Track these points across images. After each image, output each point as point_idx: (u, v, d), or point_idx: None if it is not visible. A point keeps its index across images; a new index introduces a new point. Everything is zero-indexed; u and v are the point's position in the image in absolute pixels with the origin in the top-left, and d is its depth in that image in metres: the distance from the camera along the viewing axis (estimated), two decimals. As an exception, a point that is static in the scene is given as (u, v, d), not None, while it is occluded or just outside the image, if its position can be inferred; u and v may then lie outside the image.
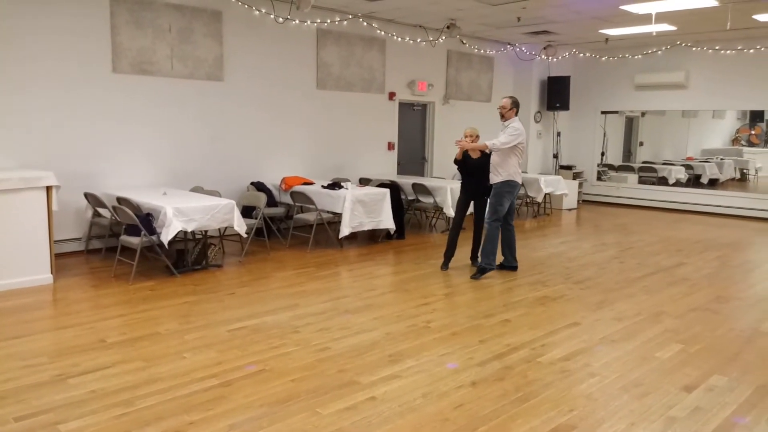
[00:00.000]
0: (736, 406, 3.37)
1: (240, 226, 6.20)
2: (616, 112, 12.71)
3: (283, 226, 8.26)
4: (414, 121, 10.66)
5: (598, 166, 12.82)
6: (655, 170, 12.44)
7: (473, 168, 6.28)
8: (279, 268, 6.44)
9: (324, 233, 7.92)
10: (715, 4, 7.87)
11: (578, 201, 12.04)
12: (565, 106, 12.15)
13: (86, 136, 6.80)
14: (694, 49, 11.00)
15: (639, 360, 4.02)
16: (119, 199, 6.12)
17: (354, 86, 9.39)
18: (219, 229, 6.77)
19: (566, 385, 3.58)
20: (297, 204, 7.75)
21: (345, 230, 7.15)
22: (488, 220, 6.11)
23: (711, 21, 9.09)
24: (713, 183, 11.93)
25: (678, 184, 12.04)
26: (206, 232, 6.29)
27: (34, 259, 5.51)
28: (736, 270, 6.75)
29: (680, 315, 5.04)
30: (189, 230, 5.80)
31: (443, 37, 10.02)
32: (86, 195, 6.58)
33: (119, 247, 6.05)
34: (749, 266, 6.96)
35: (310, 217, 7.45)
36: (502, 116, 6.10)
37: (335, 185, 7.63)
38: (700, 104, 11.46)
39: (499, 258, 6.36)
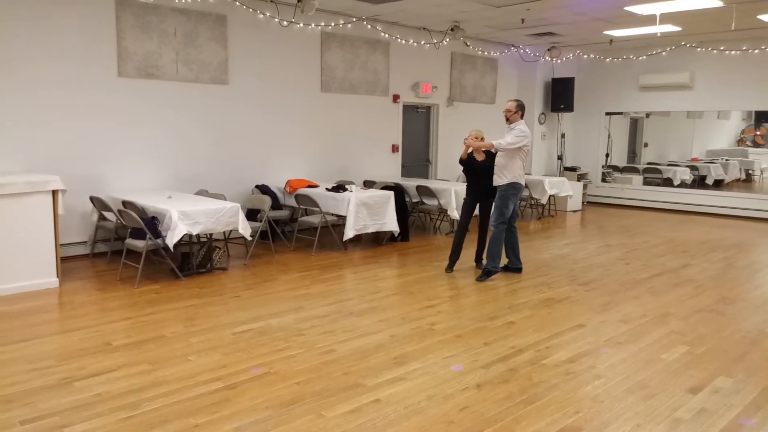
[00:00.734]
0: (742, 407, 3.36)
1: (245, 229, 6.22)
2: (620, 114, 12.69)
3: (288, 229, 8.28)
4: (418, 124, 10.67)
5: (603, 167, 12.80)
6: (660, 171, 12.40)
7: (479, 170, 6.29)
8: (284, 270, 6.45)
9: (328, 236, 7.93)
10: (720, 4, 7.86)
11: (583, 202, 12.02)
12: (569, 108, 12.13)
13: (92, 139, 6.84)
14: (698, 49, 10.97)
15: (644, 362, 4.01)
16: (125, 203, 6.14)
17: (358, 89, 9.40)
18: (224, 232, 6.78)
19: (571, 387, 3.58)
20: (301, 207, 7.76)
21: (349, 233, 7.16)
22: (494, 223, 6.10)
23: (716, 21, 9.07)
24: (718, 184, 11.89)
25: (683, 185, 12.00)
26: (211, 235, 6.31)
27: (40, 262, 5.54)
28: (742, 271, 6.72)
29: (686, 316, 5.03)
30: (194, 233, 5.82)
31: (447, 40, 10.04)
32: (92, 198, 6.62)
33: (125, 250, 6.07)
34: (755, 267, 6.94)
35: (314, 219, 7.46)
36: (508, 120, 6.10)
37: (339, 188, 7.64)
38: (705, 105, 11.43)
39: (504, 260, 6.36)
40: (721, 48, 10.73)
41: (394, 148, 10.15)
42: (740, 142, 12.06)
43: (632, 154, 13.21)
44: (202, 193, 7.30)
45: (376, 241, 8.15)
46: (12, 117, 6.27)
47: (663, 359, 4.06)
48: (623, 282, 6.14)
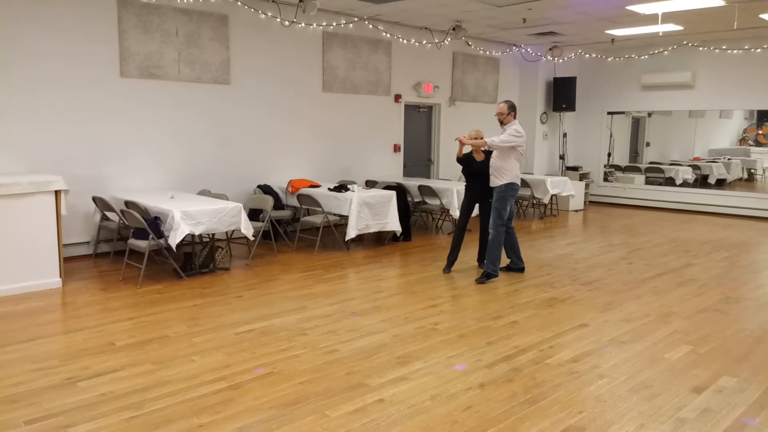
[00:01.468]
0: (746, 407, 3.36)
1: (247, 229, 6.22)
2: (622, 113, 12.68)
3: (290, 229, 8.28)
4: (420, 123, 10.67)
5: (605, 167, 12.79)
6: (662, 171, 12.39)
7: (477, 170, 6.28)
8: (286, 270, 6.45)
9: (331, 236, 7.92)
10: (722, 3, 7.85)
11: (585, 202, 12.01)
12: (571, 107, 12.13)
13: (94, 140, 6.84)
14: (700, 48, 10.96)
15: (648, 361, 4.00)
16: (127, 203, 6.15)
17: (360, 88, 9.40)
18: (226, 232, 6.79)
19: (575, 387, 3.57)
20: (304, 206, 7.77)
21: (351, 232, 7.16)
22: (494, 226, 6.06)
23: (718, 21, 9.06)
24: (721, 183, 11.87)
25: (685, 184, 11.99)
26: (213, 235, 6.31)
27: (43, 262, 5.54)
28: (745, 270, 6.71)
29: (689, 316, 5.02)
30: (197, 233, 5.82)
31: (449, 39, 10.03)
32: (94, 199, 6.62)
33: (127, 250, 6.08)
34: (758, 267, 6.93)
35: (316, 219, 7.46)
36: (501, 123, 6.08)
37: (342, 188, 7.64)
38: (707, 104, 11.42)
39: (505, 261, 6.35)
40: (723, 47, 10.72)
41: (396, 148, 10.15)
42: (742, 141, 12.04)
43: (634, 153, 13.20)
44: (204, 193, 7.31)
45: (378, 240, 8.15)
46: (15, 117, 6.28)
47: (666, 359, 4.05)
48: (626, 281, 6.14)
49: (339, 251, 7.45)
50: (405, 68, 9.99)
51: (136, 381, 3.60)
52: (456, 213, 8.25)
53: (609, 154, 12.84)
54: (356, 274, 6.41)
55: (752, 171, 11.96)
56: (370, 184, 9.03)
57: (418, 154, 10.73)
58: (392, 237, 8.08)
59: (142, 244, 5.77)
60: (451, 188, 8.44)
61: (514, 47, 11.68)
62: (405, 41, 9.69)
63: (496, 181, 6.06)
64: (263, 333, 4.47)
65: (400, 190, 8.09)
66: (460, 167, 6.54)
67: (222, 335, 4.41)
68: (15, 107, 6.27)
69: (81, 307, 5.08)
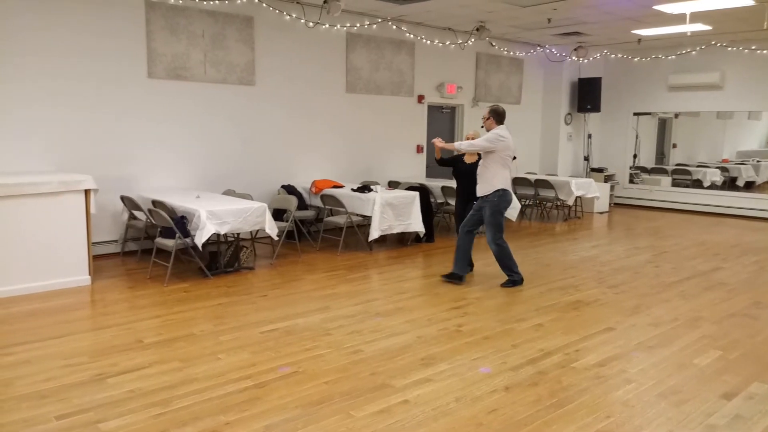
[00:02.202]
0: (779, 415, 3.29)
1: (271, 228, 6.27)
2: (648, 114, 12.50)
3: (313, 229, 8.32)
4: (443, 124, 10.64)
5: (631, 168, 12.62)
6: (689, 173, 12.19)
7: (464, 172, 6.29)
8: (310, 270, 6.49)
9: (353, 236, 7.95)
10: (751, 3, 7.69)
11: (610, 204, 11.86)
12: (596, 108, 11.99)
13: (122, 140, 6.95)
14: (729, 49, 10.76)
15: (676, 366, 3.94)
16: (154, 202, 6.23)
17: (383, 89, 9.42)
18: (250, 232, 6.84)
19: (602, 391, 3.53)
20: (327, 207, 7.80)
21: (374, 233, 7.17)
22: (494, 240, 5.74)
23: (747, 20, 8.88)
24: (750, 186, 11.64)
25: (713, 186, 11.78)
26: (238, 234, 6.37)
27: (73, 260, 5.65)
28: (776, 275, 6.58)
29: (718, 321, 4.93)
30: (222, 233, 5.88)
31: (472, 40, 10.00)
32: (122, 198, 6.73)
33: (154, 249, 6.16)
34: (789, 271, 6.78)
35: (340, 220, 7.49)
36: (488, 129, 5.79)
37: (365, 188, 7.66)
38: (735, 105, 11.21)
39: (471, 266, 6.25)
40: (753, 47, 10.51)
41: (419, 149, 10.14)
42: (772, 142, 11.79)
43: (660, 155, 13.01)
44: (229, 192, 7.38)
45: (401, 241, 8.15)
46: (45, 118, 6.41)
47: (695, 364, 3.99)
48: (653, 285, 6.05)
49: (362, 252, 7.46)
50: (428, 69, 9.97)
51: (163, 378, 3.65)
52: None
53: (635, 156, 12.67)
54: (379, 274, 6.42)
55: (782, 173, 11.71)
56: (393, 184, 9.04)
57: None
58: (415, 238, 8.07)
59: (169, 243, 5.85)
60: (474, 189, 8.40)
61: (538, 47, 11.59)
62: (428, 42, 9.68)
63: (480, 188, 5.76)
64: (288, 332, 4.50)
65: (423, 191, 8.08)
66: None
67: (247, 334, 4.45)
68: (45, 108, 6.39)
69: (109, 305, 5.17)
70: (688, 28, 9.27)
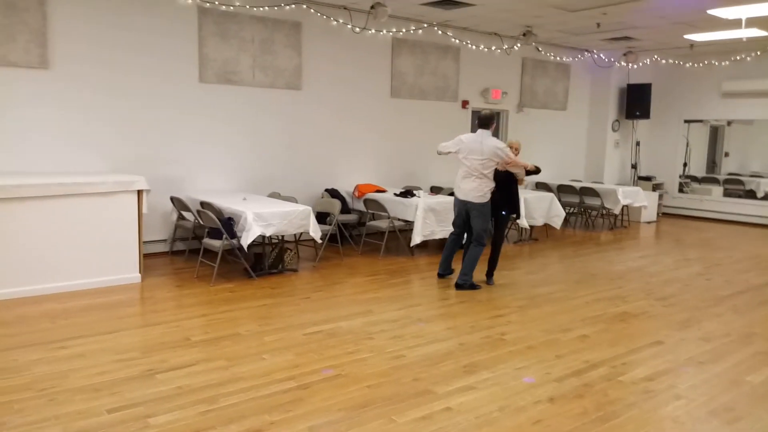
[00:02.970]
0: (840, 438, 3.15)
1: (315, 231, 6.34)
2: (700, 121, 12.14)
3: (356, 233, 8.37)
4: (487, 130, 10.55)
5: (680, 177, 12.27)
6: (742, 182, 11.78)
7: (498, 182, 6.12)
8: (352, 274, 6.53)
9: (395, 241, 7.96)
10: (815, 7, 7.41)
11: (658, 214, 11.56)
12: (645, 115, 11.71)
13: (173, 142, 7.15)
14: (788, 54, 10.37)
15: (728, 383, 3.82)
16: (203, 204, 6.38)
17: (427, 94, 9.42)
18: (294, 234, 6.93)
19: (650, 407, 3.45)
20: (369, 211, 7.84)
21: (417, 238, 7.17)
22: (480, 242, 5.93)
23: (809, 25, 8.55)
24: (807, 197, 11.17)
25: (767, 197, 11.35)
26: (283, 236, 6.46)
27: (125, 258, 5.83)
28: (836, 291, 6.30)
29: (773, 337, 4.75)
30: (267, 234, 5.98)
31: (518, 45, 9.90)
32: (172, 199, 6.91)
33: (202, 249, 6.30)
34: None
35: (382, 224, 7.52)
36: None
37: (407, 193, 7.67)
38: (793, 113, 10.78)
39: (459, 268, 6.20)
40: (814, 53, 10.10)
41: (462, 154, 10.07)
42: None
43: (712, 163, 12.61)
44: (274, 195, 7.49)
45: (442, 247, 8.08)
46: (101, 120, 6.64)
47: (749, 381, 3.85)
48: (704, 298, 5.87)
49: (403, 256, 7.47)
50: (473, 74, 9.93)
51: (210, 376, 3.73)
52: (523, 222, 8.12)
53: (685, 164, 12.32)
54: (421, 280, 6.41)
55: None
56: (435, 190, 9.02)
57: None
58: (457, 244, 8.01)
59: (216, 244, 5.98)
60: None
61: (585, 53, 11.41)
62: (474, 47, 9.64)
63: (482, 197, 5.91)
64: (330, 335, 4.54)
65: (466, 197, 8.02)
66: (528, 175, 6.38)
67: (291, 335, 4.51)
68: (101, 111, 6.62)
69: (158, 302, 5.31)
70: (744, 33, 8.98)
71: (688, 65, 11.48)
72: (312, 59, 8.11)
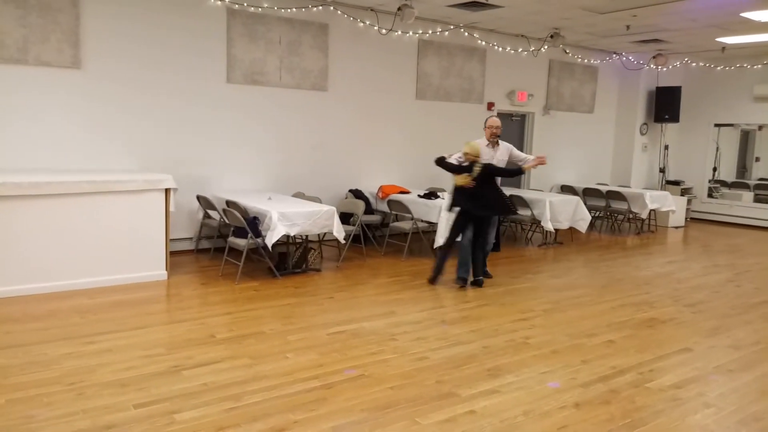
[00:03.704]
0: None
1: (339, 232, 6.35)
2: (731, 125, 11.90)
3: (379, 234, 8.38)
4: (512, 132, 10.48)
5: (710, 182, 12.05)
6: (774, 188, 11.52)
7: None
8: (375, 274, 6.53)
9: (418, 242, 7.94)
10: None
11: (686, 219, 11.36)
12: (674, 118, 11.52)
13: (200, 142, 7.23)
14: (824, 57, 10.12)
15: (759, 393, 3.73)
16: (228, 203, 6.45)
17: (453, 96, 9.39)
18: (318, 234, 6.96)
19: (678, 415, 3.39)
20: (393, 212, 7.83)
21: (440, 240, 7.11)
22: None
23: None
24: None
25: (801, 203, 11.09)
26: (307, 236, 6.49)
27: (152, 255, 5.92)
28: None
29: (807, 347, 4.64)
30: (292, 234, 6.01)
31: (545, 47, 9.82)
32: (198, 197, 6.99)
33: (227, 247, 6.37)
34: None
35: (405, 225, 7.51)
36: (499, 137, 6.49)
37: (431, 195, 7.65)
38: (829, 118, 10.51)
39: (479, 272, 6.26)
40: None
41: (487, 157, 10.02)
42: None
43: (742, 168, 12.34)
44: (299, 195, 7.54)
45: (466, 249, 8.06)
46: (131, 119, 6.75)
47: (781, 392, 3.76)
48: (734, 305, 5.75)
49: (427, 258, 7.45)
50: (499, 76, 9.87)
51: (235, 373, 3.77)
52: (548, 225, 8.05)
53: (714, 169, 12.08)
54: (444, 282, 6.39)
55: None
56: (459, 192, 8.97)
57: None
58: (481, 246, 7.97)
59: (241, 242, 6.03)
60: (543, 199, 8.25)
61: (614, 55, 11.26)
62: (500, 49, 9.58)
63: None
64: (354, 335, 4.54)
65: (491, 200, 7.97)
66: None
67: (314, 335, 4.53)
68: (131, 111, 6.73)
69: (184, 300, 5.38)
70: (779, 35, 8.79)
71: (719, 68, 11.27)
72: (338, 60, 8.14)
